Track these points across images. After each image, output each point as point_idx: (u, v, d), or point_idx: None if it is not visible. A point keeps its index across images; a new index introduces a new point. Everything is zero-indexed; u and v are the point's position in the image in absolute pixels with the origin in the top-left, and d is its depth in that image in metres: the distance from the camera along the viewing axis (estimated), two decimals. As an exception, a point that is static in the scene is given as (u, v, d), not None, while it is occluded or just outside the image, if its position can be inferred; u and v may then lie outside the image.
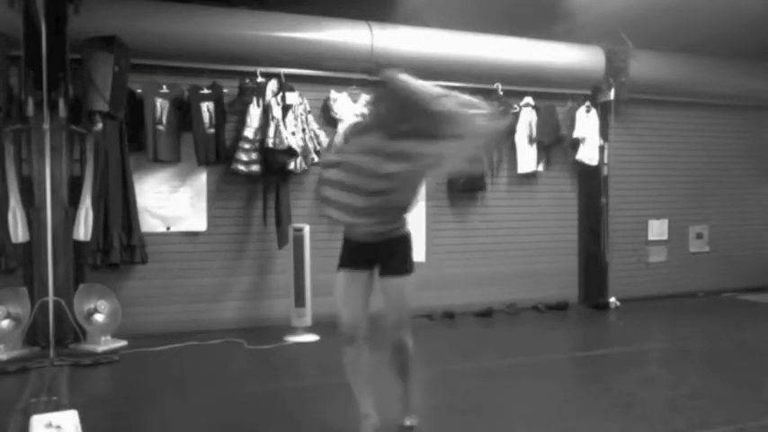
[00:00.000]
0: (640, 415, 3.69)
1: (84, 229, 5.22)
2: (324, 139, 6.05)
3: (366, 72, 5.35)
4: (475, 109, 2.93)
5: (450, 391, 4.19)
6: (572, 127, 7.03)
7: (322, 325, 5.34)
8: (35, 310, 4.97)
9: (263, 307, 6.05)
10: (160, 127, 5.60)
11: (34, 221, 5.12)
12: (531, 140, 6.90)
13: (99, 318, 5.21)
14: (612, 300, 7.15)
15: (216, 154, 5.76)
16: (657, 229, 7.74)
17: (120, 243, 5.45)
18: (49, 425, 2.86)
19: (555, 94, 6.99)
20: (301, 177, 6.09)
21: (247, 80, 5.82)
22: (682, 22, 6.37)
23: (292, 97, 5.84)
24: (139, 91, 5.57)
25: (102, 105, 5.04)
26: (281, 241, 5.88)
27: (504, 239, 7.01)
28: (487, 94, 6.72)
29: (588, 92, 7.13)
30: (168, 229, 5.83)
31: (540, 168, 7.02)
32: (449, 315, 6.55)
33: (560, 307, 7.04)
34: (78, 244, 5.31)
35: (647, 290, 7.55)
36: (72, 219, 5.23)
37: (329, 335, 4.60)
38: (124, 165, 5.52)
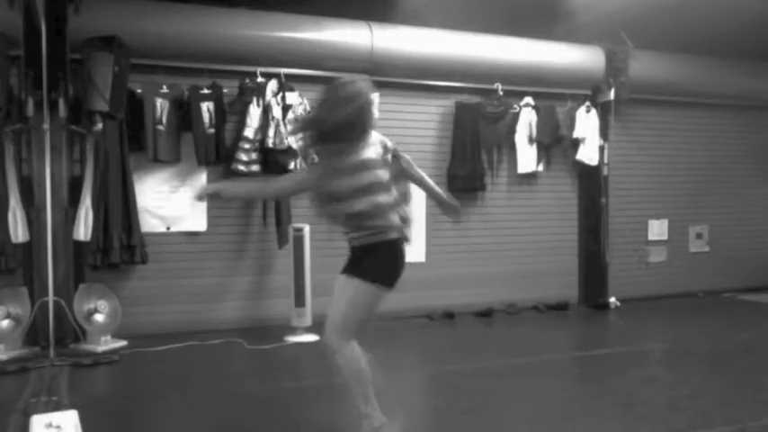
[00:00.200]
0: (640, 415, 3.69)
1: (84, 229, 5.22)
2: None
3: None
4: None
5: (450, 391, 4.20)
6: (572, 127, 7.03)
7: (322, 325, 5.32)
8: (35, 310, 4.97)
9: (263, 307, 6.05)
10: (160, 127, 5.60)
11: (34, 221, 5.12)
12: (531, 140, 6.90)
13: (99, 318, 5.21)
14: (612, 300, 7.15)
15: (216, 154, 5.76)
16: (657, 229, 7.74)
17: (120, 243, 5.45)
18: (49, 425, 2.86)
19: (555, 94, 6.99)
20: (301, 177, 6.09)
21: (247, 80, 5.82)
22: (682, 22, 6.37)
23: (292, 97, 5.84)
24: (139, 91, 5.57)
25: (102, 105, 5.04)
26: (281, 241, 5.88)
27: (504, 239, 7.01)
28: (487, 94, 6.76)
29: (588, 92, 7.13)
30: (168, 229, 5.83)
31: (540, 168, 7.03)
32: (449, 315, 6.55)
33: (560, 307, 7.04)
34: (78, 244, 5.31)
35: (647, 290, 7.55)
36: (72, 219, 5.23)
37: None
38: (124, 165, 5.52)
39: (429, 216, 6.62)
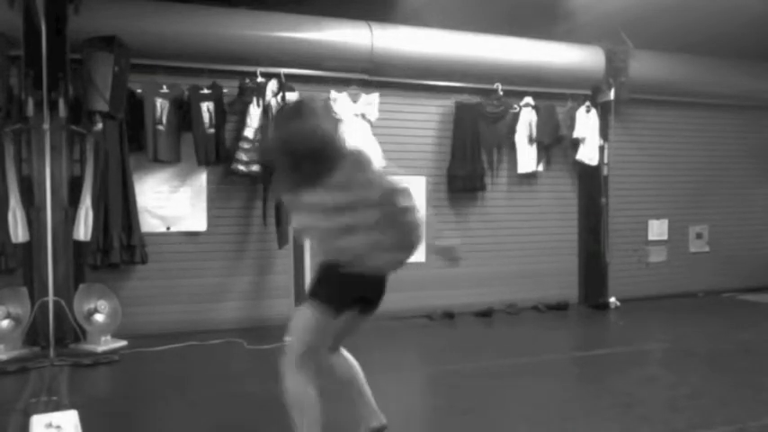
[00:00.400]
0: (640, 415, 3.69)
1: (84, 229, 5.22)
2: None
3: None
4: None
5: (450, 391, 4.20)
6: (572, 127, 7.03)
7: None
8: (35, 310, 4.97)
9: (263, 307, 6.05)
10: (160, 127, 5.60)
11: (34, 221, 5.12)
12: (531, 140, 6.90)
13: (99, 318, 5.21)
14: (612, 300, 7.15)
15: (216, 154, 5.76)
16: (657, 229, 7.74)
17: (120, 243, 5.45)
18: (49, 425, 2.86)
19: (555, 94, 6.99)
20: (301, 177, 6.09)
21: (247, 80, 5.82)
22: (682, 22, 6.37)
23: (292, 97, 5.83)
24: (139, 91, 5.57)
25: (102, 105, 5.04)
26: (281, 241, 5.88)
27: (504, 239, 7.01)
28: (487, 94, 6.76)
29: (588, 92, 7.13)
30: (168, 229, 5.83)
31: (540, 168, 7.02)
32: (449, 315, 6.55)
33: (560, 307, 7.04)
34: (78, 244, 5.31)
35: (647, 290, 7.55)
36: (72, 219, 5.23)
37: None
38: (124, 165, 5.52)
39: (429, 216, 6.62)
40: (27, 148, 5.21)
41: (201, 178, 5.90)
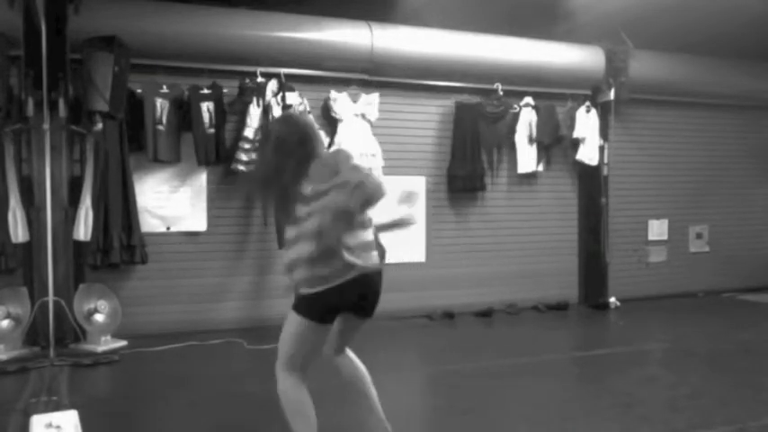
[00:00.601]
0: (640, 415, 3.69)
1: (84, 229, 5.22)
2: (324, 140, 6.05)
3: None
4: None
5: (450, 391, 4.20)
6: (572, 127, 7.03)
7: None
8: (35, 310, 4.97)
9: (263, 307, 6.04)
10: (160, 127, 5.60)
11: (34, 221, 5.12)
12: (531, 140, 6.90)
13: (99, 318, 5.21)
14: (612, 300, 7.15)
15: (216, 154, 5.76)
16: (657, 229, 7.74)
17: (120, 243, 5.45)
18: (49, 425, 2.86)
19: (555, 94, 6.99)
20: (301, 177, 6.08)
21: (247, 80, 5.82)
22: (682, 22, 6.37)
23: (292, 97, 5.84)
24: (139, 91, 5.57)
25: (102, 105, 5.04)
26: (281, 241, 5.87)
27: (504, 239, 7.01)
28: (487, 94, 6.76)
29: (588, 92, 7.13)
30: (168, 229, 5.83)
31: (540, 168, 7.03)
32: (449, 315, 6.55)
33: (560, 307, 7.04)
34: (78, 244, 5.31)
35: (647, 290, 7.55)
36: (72, 219, 5.23)
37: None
38: (124, 165, 5.52)
39: (429, 216, 6.63)
40: (27, 148, 5.21)
41: (201, 178, 5.90)
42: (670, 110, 7.67)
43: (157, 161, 5.64)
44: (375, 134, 6.22)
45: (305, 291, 2.78)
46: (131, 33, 5.20)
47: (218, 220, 5.96)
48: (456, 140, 6.69)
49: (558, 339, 6.02)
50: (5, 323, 4.90)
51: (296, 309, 2.84)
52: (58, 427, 2.86)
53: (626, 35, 6.85)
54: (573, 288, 7.38)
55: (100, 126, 5.21)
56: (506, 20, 6.30)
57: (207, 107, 5.70)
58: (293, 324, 2.83)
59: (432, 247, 6.68)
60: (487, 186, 6.85)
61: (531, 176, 7.06)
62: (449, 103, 6.70)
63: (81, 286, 5.23)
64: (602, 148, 7.15)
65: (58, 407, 3.60)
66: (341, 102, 6.16)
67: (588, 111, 7.05)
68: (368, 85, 6.28)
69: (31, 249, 5.18)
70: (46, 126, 4.75)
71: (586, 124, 7.03)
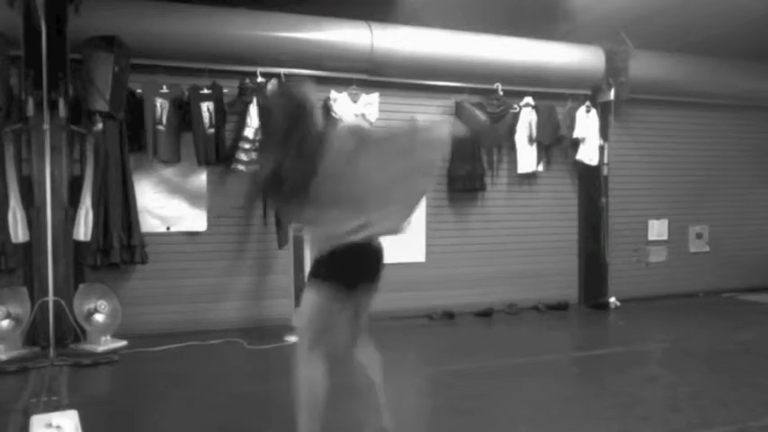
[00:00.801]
0: (640, 415, 3.69)
1: (84, 229, 5.22)
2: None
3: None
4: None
5: (449, 391, 4.20)
6: (572, 127, 7.02)
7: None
8: (35, 310, 4.97)
9: (263, 307, 6.05)
10: (160, 127, 5.60)
11: (34, 221, 5.12)
12: (531, 140, 6.90)
13: (99, 318, 5.21)
14: (612, 300, 7.15)
15: (216, 154, 5.76)
16: (657, 229, 7.74)
17: (120, 243, 5.44)
18: (49, 425, 2.87)
19: (555, 94, 6.99)
20: (301, 177, 6.08)
21: (247, 80, 5.82)
22: (682, 22, 6.37)
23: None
24: (139, 91, 5.57)
25: (102, 105, 5.04)
26: (281, 241, 5.88)
27: (504, 239, 7.01)
28: (487, 94, 6.76)
29: (588, 92, 7.13)
30: (168, 229, 5.83)
31: (540, 168, 7.02)
32: (449, 315, 6.55)
33: (560, 307, 7.04)
34: (78, 244, 5.31)
35: (647, 290, 7.55)
36: (72, 219, 5.23)
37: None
38: (124, 165, 5.52)
39: (429, 216, 6.63)
40: (27, 148, 5.21)
41: (201, 178, 5.90)
42: (670, 110, 7.66)
43: (157, 161, 5.64)
44: (375, 134, 6.21)
45: (330, 246, 2.78)
46: (131, 33, 5.19)
47: (218, 220, 5.96)
48: (456, 140, 6.66)
49: (558, 339, 6.02)
50: (5, 323, 4.90)
51: (313, 278, 2.83)
52: (58, 427, 2.86)
53: (626, 35, 6.85)
54: (573, 288, 7.37)
55: (100, 126, 5.20)
56: (506, 20, 6.29)
57: (207, 107, 5.70)
58: (310, 299, 2.83)
59: (432, 247, 6.68)
60: (487, 186, 6.85)
61: (531, 176, 7.06)
62: (449, 103, 6.70)
63: (81, 286, 5.23)
64: (602, 148, 7.15)
65: (58, 407, 3.60)
66: (341, 102, 6.16)
67: (588, 111, 7.05)
68: (368, 85, 6.28)
69: (31, 249, 5.18)
70: (46, 126, 4.75)
71: (586, 124, 7.03)
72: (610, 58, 6.99)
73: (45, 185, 4.88)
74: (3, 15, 4.85)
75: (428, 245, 6.67)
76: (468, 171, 6.67)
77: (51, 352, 4.62)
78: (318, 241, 2.88)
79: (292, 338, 5.48)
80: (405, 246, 6.35)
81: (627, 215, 7.48)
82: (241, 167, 5.74)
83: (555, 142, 7.07)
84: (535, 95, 6.90)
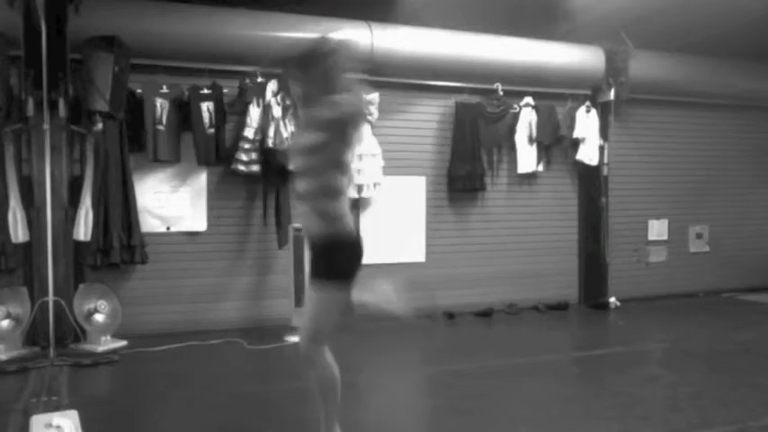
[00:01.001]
0: (640, 415, 3.69)
1: (84, 229, 5.22)
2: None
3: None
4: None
5: (449, 392, 4.20)
6: (572, 127, 7.03)
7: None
8: (35, 310, 4.97)
9: (263, 307, 6.05)
10: (160, 127, 5.60)
11: (34, 221, 5.12)
12: (531, 140, 6.90)
13: (99, 318, 5.21)
14: (612, 300, 7.15)
15: (216, 154, 5.76)
16: (657, 229, 7.74)
17: (120, 243, 5.45)
18: (49, 425, 2.87)
19: (555, 94, 6.99)
20: (301, 177, 6.09)
21: (247, 80, 5.82)
22: (682, 22, 6.37)
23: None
24: (139, 91, 5.57)
25: (102, 105, 5.04)
26: (281, 241, 5.89)
27: (504, 239, 7.01)
28: (487, 94, 6.76)
29: (588, 92, 7.13)
30: (168, 229, 5.83)
31: (540, 168, 7.02)
32: (449, 315, 6.55)
33: (560, 307, 7.04)
34: (78, 244, 5.31)
35: (647, 290, 7.55)
36: (72, 219, 5.23)
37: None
38: (124, 165, 5.52)
39: (429, 216, 6.63)
40: (27, 148, 5.21)
41: (201, 178, 5.90)
42: (670, 110, 7.66)
43: (157, 161, 5.64)
44: (375, 134, 6.22)
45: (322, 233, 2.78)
46: (131, 33, 5.20)
47: (218, 220, 5.96)
48: (456, 140, 6.69)
49: (557, 339, 6.02)
50: (5, 323, 4.90)
51: (315, 277, 2.82)
52: (58, 427, 2.86)
53: (626, 35, 6.85)
54: (573, 288, 7.38)
55: (100, 126, 5.21)
56: (506, 20, 6.30)
57: (207, 107, 5.70)
58: (314, 300, 2.84)
59: (432, 247, 6.68)
60: (487, 186, 6.85)
61: (531, 176, 7.06)
62: (449, 103, 6.70)
63: (81, 286, 5.23)
64: (602, 148, 7.15)
65: (58, 407, 3.60)
66: (341, 102, 6.14)
67: (588, 111, 7.05)
68: (368, 85, 6.27)
69: (31, 249, 5.18)
70: (46, 126, 4.75)
71: (586, 124, 7.03)
72: (610, 58, 6.99)
73: (45, 185, 4.89)
74: (3, 15, 4.85)
75: (428, 245, 6.67)
76: (468, 171, 6.67)
77: (51, 352, 4.62)
78: (318, 220, 2.78)
79: (292, 338, 5.49)
80: (405, 246, 6.35)
81: (627, 215, 7.48)
82: (241, 167, 5.74)
83: (555, 142, 7.07)
84: (535, 95, 6.90)
